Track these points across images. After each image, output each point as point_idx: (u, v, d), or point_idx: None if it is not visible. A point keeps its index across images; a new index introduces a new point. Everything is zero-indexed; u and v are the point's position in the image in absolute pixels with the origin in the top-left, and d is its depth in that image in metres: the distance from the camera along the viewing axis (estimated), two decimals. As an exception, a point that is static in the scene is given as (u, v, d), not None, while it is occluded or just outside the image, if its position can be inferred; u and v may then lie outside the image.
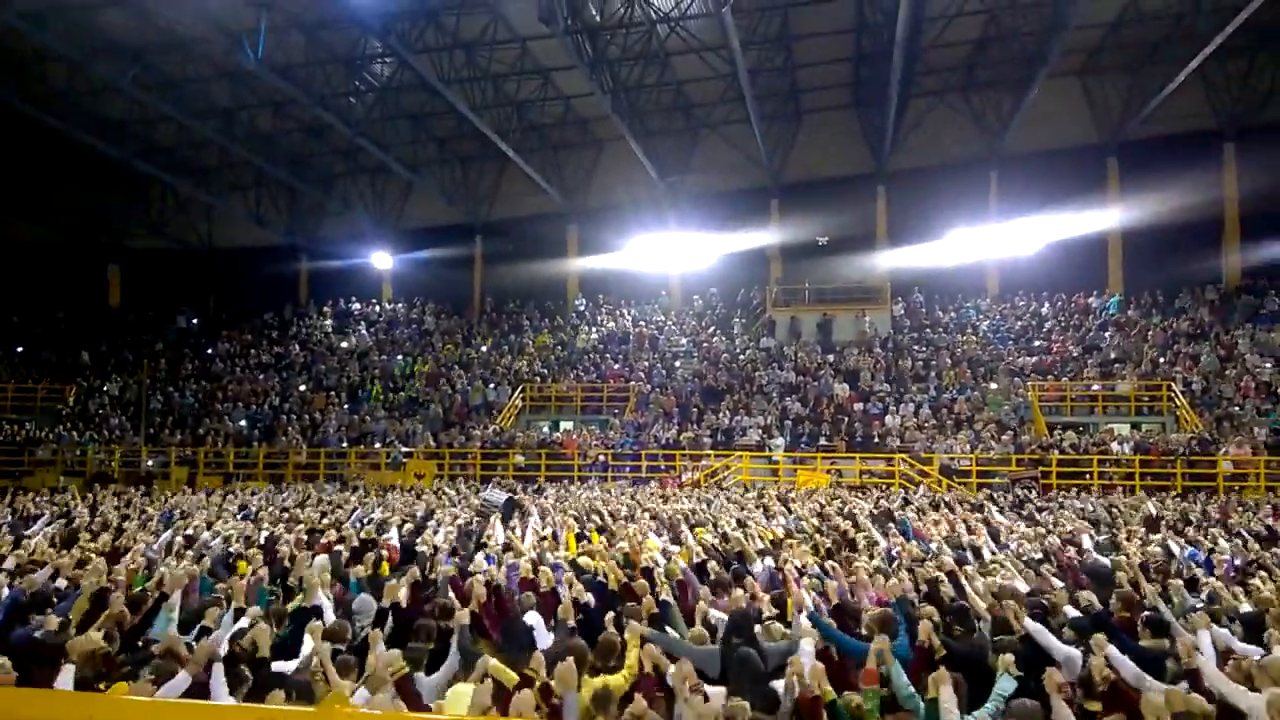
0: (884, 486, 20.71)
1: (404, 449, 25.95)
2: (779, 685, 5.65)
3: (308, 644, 6.40)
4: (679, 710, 5.26)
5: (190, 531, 12.06)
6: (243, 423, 28.54)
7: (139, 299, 37.14)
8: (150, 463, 26.56)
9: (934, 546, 11.19)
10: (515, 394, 28.41)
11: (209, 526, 12.71)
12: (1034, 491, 19.19)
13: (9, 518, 14.10)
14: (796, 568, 9.10)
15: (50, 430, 28.38)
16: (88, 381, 31.81)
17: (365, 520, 13.25)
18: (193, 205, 35.56)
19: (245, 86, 26.67)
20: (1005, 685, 5.54)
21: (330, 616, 7.30)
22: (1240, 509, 16.03)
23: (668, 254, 32.74)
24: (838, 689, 5.50)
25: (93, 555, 9.52)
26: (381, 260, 35.59)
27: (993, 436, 23.19)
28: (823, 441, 24.15)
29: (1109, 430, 23.46)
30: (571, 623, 7.16)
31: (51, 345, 34.14)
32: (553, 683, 5.38)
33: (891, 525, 12.99)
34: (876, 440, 23.89)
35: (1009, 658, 5.75)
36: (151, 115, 27.56)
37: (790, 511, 14.64)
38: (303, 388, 30.58)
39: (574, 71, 24.93)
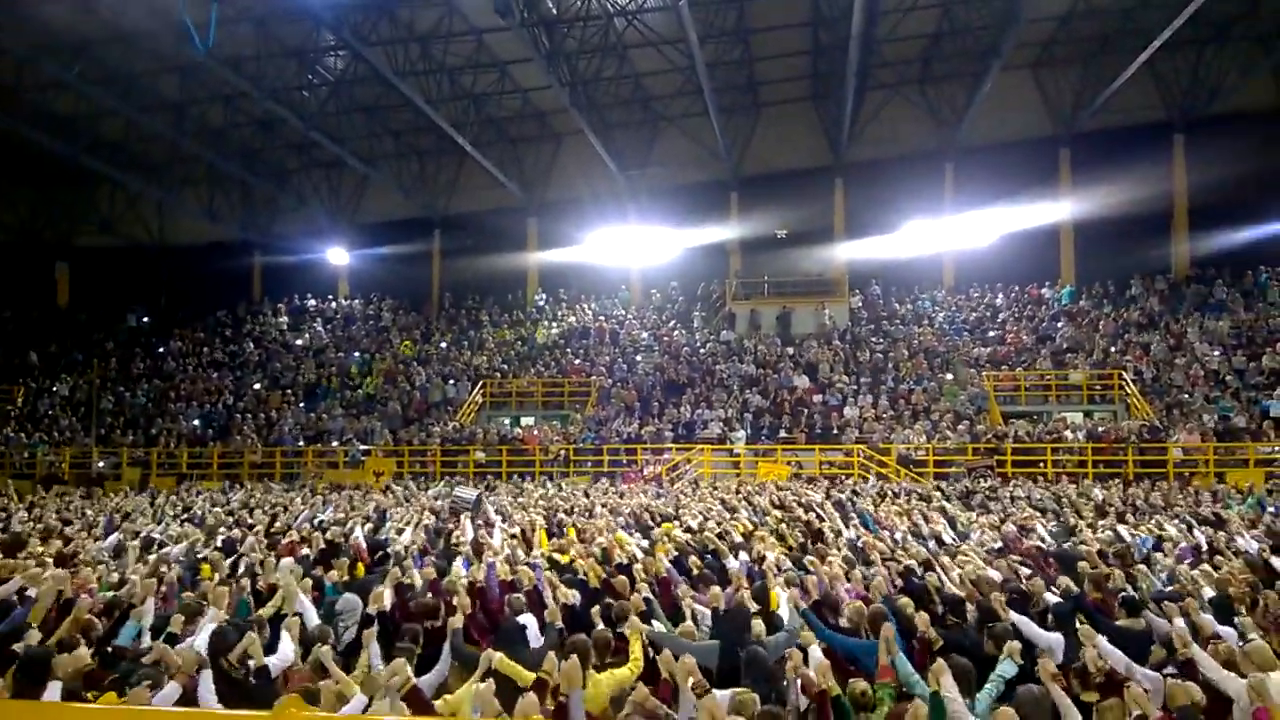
0: (840, 478, 20.82)
1: (362, 447, 25.66)
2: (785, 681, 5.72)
3: (286, 644, 6.41)
4: (684, 706, 5.31)
5: (142, 535, 11.79)
6: (196, 422, 28.06)
7: (88, 298, 36.35)
8: (102, 464, 26.02)
9: (899, 536, 11.34)
10: (475, 390, 28.20)
11: (157, 530, 12.44)
12: (986, 481, 19.41)
13: None
14: (774, 562, 9.14)
15: (-3, 432, 27.70)
16: (36, 382, 31.12)
17: (316, 521, 13.08)
18: (143, 201, 34.87)
19: (195, 80, 26.13)
20: (1006, 669, 5.66)
21: (314, 620, 7.21)
22: (1183, 496, 16.40)
23: (628, 248, 32.71)
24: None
25: (47, 562, 9.26)
26: (337, 256, 35.14)
27: (949, 427, 23.45)
28: (783, 434, 24.27)
29: (1062, 419, 23.81)
30: (560, 623, 7.11)
31: (-2, 346, 33.31)
32: (557, 681, 5.36)
33: (852, 516, 13.10)
34: (835, 431, 24.05)
35: (1015, 644, 5.89)
36: (99, 110, 26.83)
37: (751, 505, 14.66)
38: (257, 386, 30.12)
39: (531, 64, 24.74)
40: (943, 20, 26.43)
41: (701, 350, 29.25)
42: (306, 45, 24.67)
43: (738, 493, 16.84)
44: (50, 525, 13.08)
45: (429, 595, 7.98)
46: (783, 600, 7.49)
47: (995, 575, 8.56)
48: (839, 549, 10.13)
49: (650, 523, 12.73)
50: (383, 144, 32.05)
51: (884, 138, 30.81)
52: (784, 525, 12.14)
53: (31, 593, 7.56)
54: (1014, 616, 6.81)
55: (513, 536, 11.14)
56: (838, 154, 31.13)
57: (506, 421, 27.64)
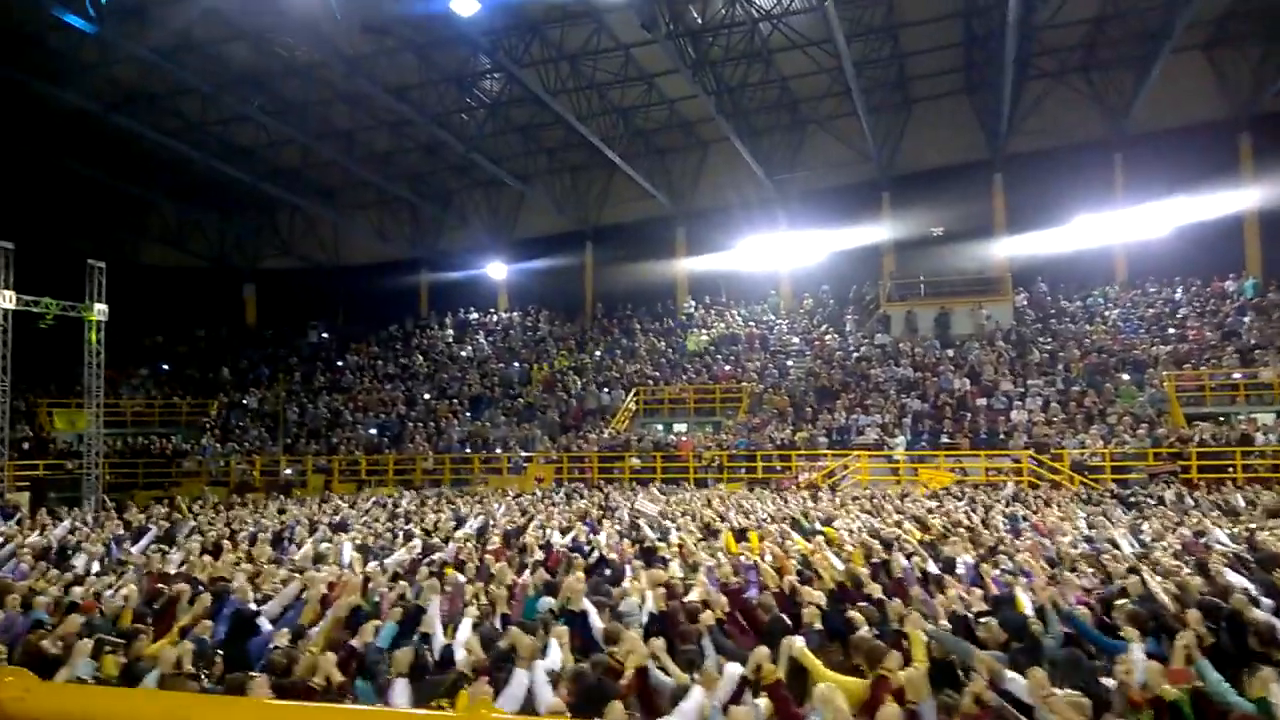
0: (992, 485, 20.06)
1: (524, 454, 26.66)
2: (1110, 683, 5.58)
3: (554, 649, 6.25)
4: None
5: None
6: (373, 431, 29.86)
7: (273, 316, 39.27)
8: (289, 471, 28.04)
9: (1068, 540, 11.00)
10: (629, 397, 28.79)
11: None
12: (1170, 487, 18.29)
13: (118, 530, 14.29)
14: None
15: (195, 443, 30.37)
16: (229, 396, 33.81)
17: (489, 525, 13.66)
18: (320, 225, 37.42)
19: (364, 109, 27.97)
20: None
21: (598, 621, 7.10)
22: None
23: (777, 252, 32.61)
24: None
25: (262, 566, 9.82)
26: (497, 270, 36.64)
27: (1127, 430, 22.19)
28: (944, 439, 23.59)
29: (1251, 420, 22.11)
30: (819, 624, 6.95)
31: (194, 363, 36.46)
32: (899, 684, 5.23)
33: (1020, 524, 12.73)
34: (1002, 436, 23.19)
35: None
36: (277, 140, 29.16)
37: (903, 511, 14.40)
38: (427, 396, 31.75)
39: (677, 75, 25.13)
40: (1106, 3, 25.10)
41: (855, 354, 28.80)
42: (464, 70, 25.91)
43: (892, 499, 16.57)
44: (221, 534, 13.61)
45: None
46: (1027, 603, 7.35)
47: (1237, 580, 8.08)
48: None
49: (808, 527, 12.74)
50: (537, 162, 33.23)
51: (1046, 129, 29.47)
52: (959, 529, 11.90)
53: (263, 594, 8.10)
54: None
55: (700, 540, 11.21)
56: (996, 148, 30.02)
57: (660, 428, 28.07)
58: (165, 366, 35.99)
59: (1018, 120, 29.08)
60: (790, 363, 29.60)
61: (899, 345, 28.45)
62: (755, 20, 23.98)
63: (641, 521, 13.41)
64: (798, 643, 5.64)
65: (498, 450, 27.41)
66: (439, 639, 6.95)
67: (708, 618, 6.72)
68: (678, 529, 12.45)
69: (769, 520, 13.55)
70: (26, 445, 27.71)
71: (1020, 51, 24.47)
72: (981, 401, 24.82)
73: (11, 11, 20.49)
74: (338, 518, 15.70)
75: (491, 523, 14.20)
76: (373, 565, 9.94)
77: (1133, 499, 16.68)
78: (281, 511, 17.51)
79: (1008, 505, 15.56)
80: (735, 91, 27.36)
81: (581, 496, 19.07)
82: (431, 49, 24.57)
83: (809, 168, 32.02)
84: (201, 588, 8.32)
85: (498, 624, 7.26)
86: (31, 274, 23.74)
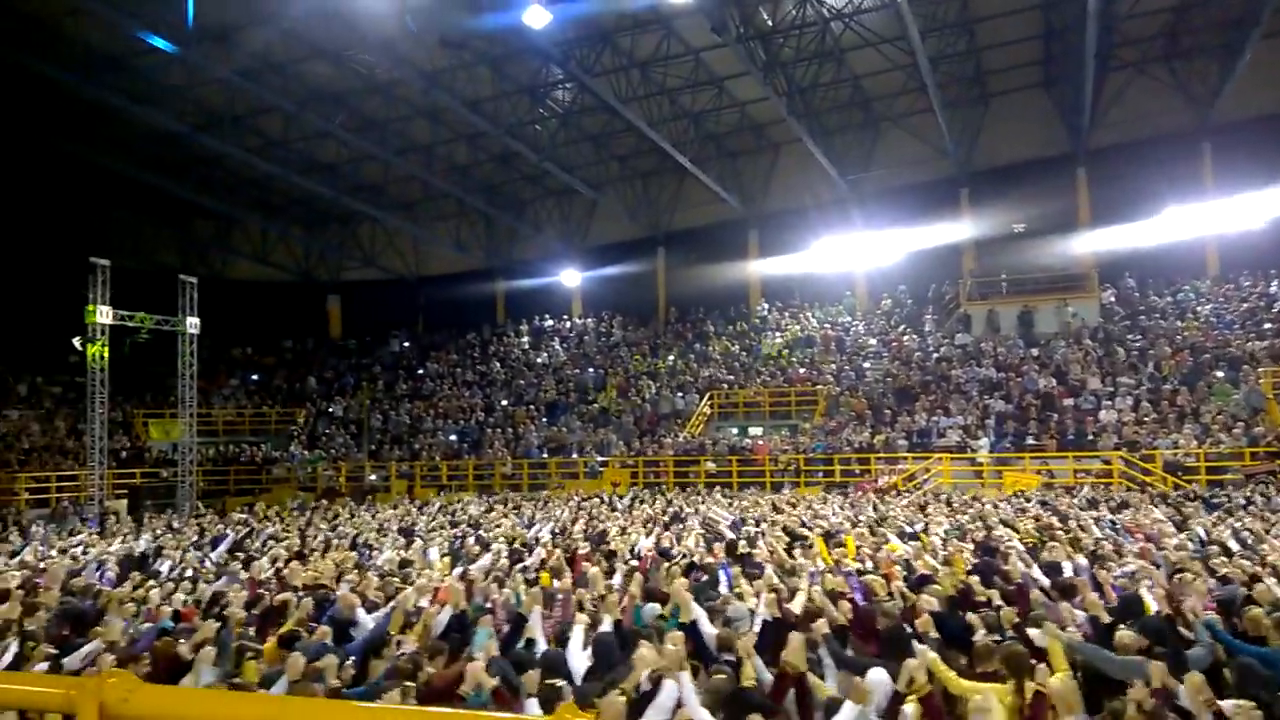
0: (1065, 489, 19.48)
1: (600, 458, 26.81)
2: None
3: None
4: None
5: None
6: (453, 437, 30.38)
7: (357, 326, 40.23)
8: (373, 477, 28.72)
9: (1174, 544, 10.69)
10: (703, 401, 28.72)
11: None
12: (1271, 487, 17.51)
13: (195, 537, 14.61)
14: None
15: (284, 450, 31.31)
16: (315, 404, 34.77)
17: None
18: (399, 237, 38.23)
19: (441, 123, 28.52)
20: None
21: (710, 630, 6.92)
22: None
23: (852, 253, 32.15)
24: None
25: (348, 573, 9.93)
26: (570, 278, 36.94)
27: (1222, 429, 21.29)
28: (1030, 441, 22.98)
29: (1361, 418, 21.03)
30: (934, 632, 6.76)
31: (282, 373, 37.59)
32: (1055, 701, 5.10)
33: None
34: (1090, 437, 22.48)
35: None
36: (359, 156, 29.93)
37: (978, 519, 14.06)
38: (505, 403, 32.17)
39: (748, 78, 25.02)
40: (1189, -10, 24.19)
41: (935, 355, 28.25)
42: (537, 82, 26.20)
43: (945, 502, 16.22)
44: (306, 539, 14.00)
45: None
46: (1154, 609, 7.16)
47: None
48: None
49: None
50: (608, 169, 33.41)
51: (1129, 120, 28.49)
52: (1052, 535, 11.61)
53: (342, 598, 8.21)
54: None
55: (787, 548, 11.15)
56: (1078, 141, 29.11)
57: (735, 431, 27.94)
58: (254, 377, 37.15)
59: (1100, 113, 28.18)
60: (867, 364, 29.17)
61: (981, 345, 27.81)
62: (827, 20, 23.75)
63: (723, 526, 13.36)
64: (930, 654, 5.46)
65: (574, 455, 27.61)
66: (543, 647, 6.86)
67: (821, 625, 6.55)
68: (761, 534, 12.37)
69: (848, 524, 13.40)
70: (124, 454, 28.92)
71: (1101, 43, 23.69)
72: (1068, 402, 24.10)
73: (101, 35, 21.41)
74: (407, 521, 16.08)
75: (559, 528, 14.26)
76: (476, 570, 9.99)
77: (1214, 500, 16.05)
78: (352, 515, 17.94)
79: (1089, 508, 15.14)
80: (807, 92, 27.13)
81: (642, 502, 19.07)
82: (505, 61, 24.92)
83: (884, 166, 31.52)
84: (303, 594, 8.49)
85: (607, 631, 7.11)
86: (127, 290, 24.83)
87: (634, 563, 10.30)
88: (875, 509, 15.94)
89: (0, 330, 32.54)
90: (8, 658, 6.69)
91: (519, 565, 10.35)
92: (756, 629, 7.01)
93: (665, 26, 23.80)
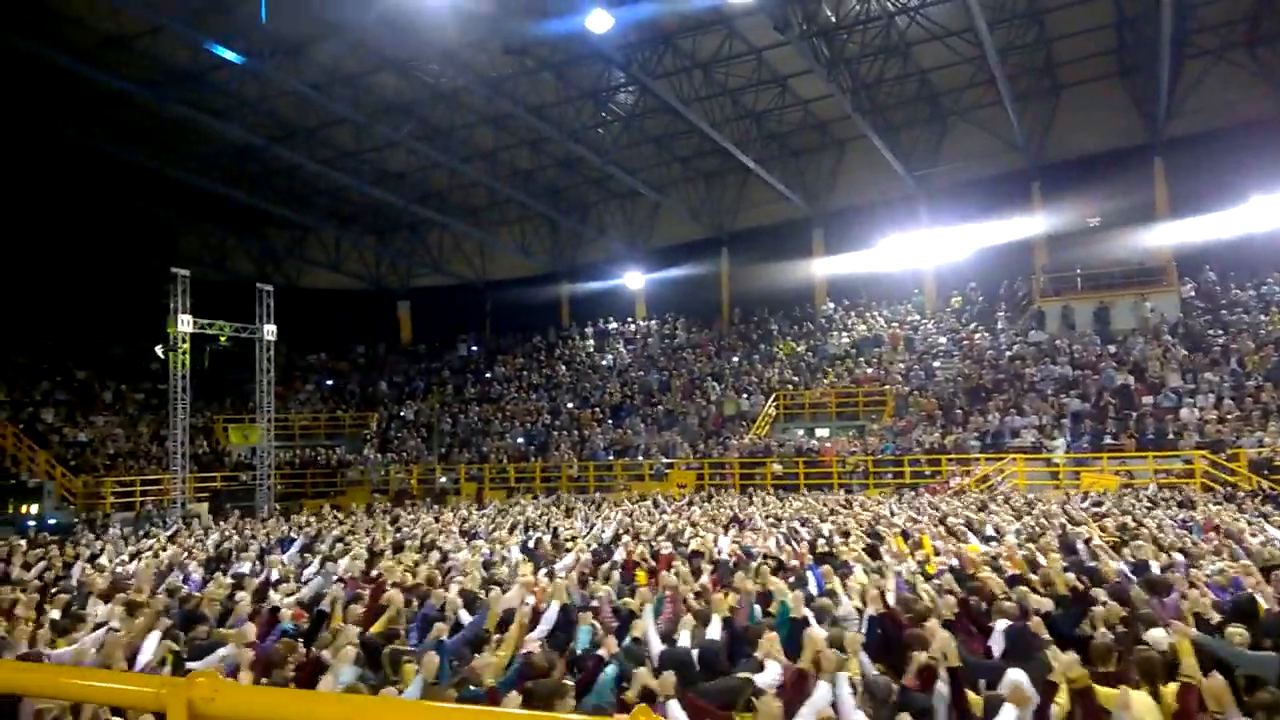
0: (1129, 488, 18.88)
1: (665, 460, 26.83)
2: None
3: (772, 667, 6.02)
4: None
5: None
6: (520, 440, 30.71)
7: (426, 331, 40.95)
8: (444, 479, 29.18)
9: (1258, 542, 10.34)
10: (769, 402, 28.53)
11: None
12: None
13: (265, 541, 14.72)
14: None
15: (358, 454, 32.01)
16: (387, 409, 35.48)
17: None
18: (466, 242, 38.79)
19: (506, 129, 28.86)
20: None
21: (819, 630, 6.68)
22: None
23: (920, 250, 31.59)
24: None
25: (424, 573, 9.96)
26: (634, 280, 37.03)
27: (1314, 427, 20.42)
28: (1108, 440, 22.32)
29: None
30: (1045, 633, 6.56)
31: (355, 378, 38.43)
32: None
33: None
34: (1171, 436, 21.75)
35: None
36: (426, 164, 30.47)
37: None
38: (570, 405, 32.40)
39: (811, 75, 24.81)
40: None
41: (1008, 353, 27.61)
42: (599, 86, 26.34)
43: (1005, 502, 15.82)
44: (376, 541, 14.03)
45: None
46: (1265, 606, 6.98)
47: None
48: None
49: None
50: (671, 170, 33.42)
51: (1209, 108, 27.45)
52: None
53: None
54: None
55: (867, 548, 11.00)
56: (1155, 130, 28.18)
57: (801, 433, 27.71)
58: (329, 382, 38.07)
59: (1177, 101, 27.24)
60: (938, 363, 28.66)
61: (1055, 342, 27.09)
62: (891, 14, 23.42)
63: (799, 526, 13.27)
64: (1065, 655, 5.28)
65: (639, 457, 27.68)
66: (655, 645, 6.68)
67: (933, 625, 6.36)
68: (838, 532, 12.27)
69: (912, 524, 13.24)
70: (205, 459, 29.88)
71: (1177, 30, 22.88)
72: (1147, 400, 23.36)
73: (178, 52, 22.16)
74: (466, 525, 16.27)
75: (620, 530, 14.28)
76: (560, 569, 10.02)
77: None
78: (415, 521, 18.18)
79: (1153, 508, 14.75)
80: (872, 88, 26.78)
81: (691, 504, 18.99)
82: (568, 67, 25.10)
83: (952, 161, 30.93)
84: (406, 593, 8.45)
85: (717, 630, 6.95)
86: (207, 300, 25.68)
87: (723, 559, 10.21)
88: (934, 509, 15.67)
89: (86, 340, 34.02)
90: (146, 657, 6.73)
91: (603, 565, 10.32)
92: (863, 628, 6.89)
93: (727, 26, 23.72)
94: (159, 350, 26.72)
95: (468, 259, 39.77)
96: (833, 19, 23.10)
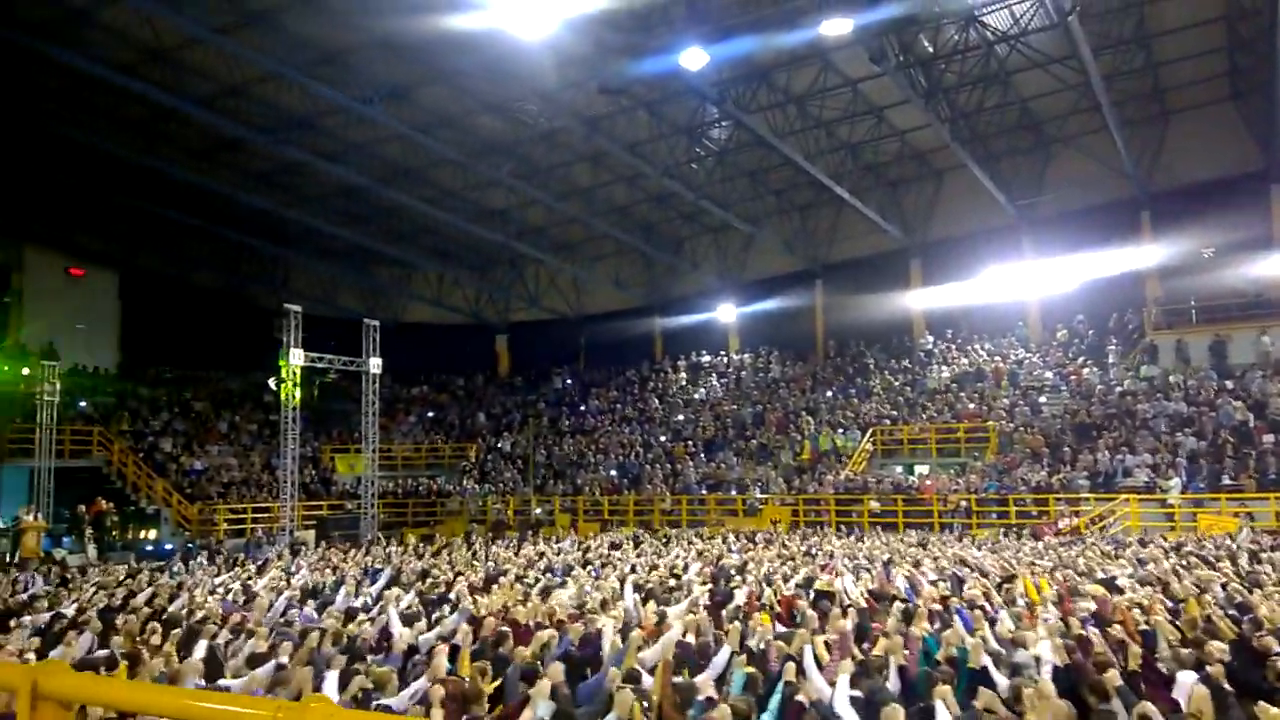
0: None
1: (759, 495, 26.59)
2: None
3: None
4: None
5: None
6: (613, 472, 30.89)
7: (523, 364, 41.71)
8: (539, 511, 29.54)
9: None
10: (865, 438, 28.05)
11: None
12: None
13: (356, 572, 14.74)
14: None
15: (457, 484, 32.68)
16: (485, 440, 36.16)
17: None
18: (562, 277, 39.48)
19: (602, 166, 29.39)
20: None
21: (1002, 679, 6.64)
22: None
23: (1023, 281, 30.73)
24: None
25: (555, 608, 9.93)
26: (727, 313, 37.00)
27: None
28: (1226, 480, 21.21)
29: None
30: (1226, 684, 6.29)
31: (455, 410, 39.33)
32: None
33: None
34: (1297, 476, 20.55)
35: None
36: (524, 201, 31.22)
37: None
38: (663, 438, 32.45)
39: (907, 106, 24.59)
40: None
41: (1118, 388, 26.55)
42: (693, 122, 26.62)
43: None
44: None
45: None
46: None
47: None
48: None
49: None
50: (765, 203, 33.41)
51: (1335, 130, 26.08)
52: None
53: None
54: None
55: (999, 588, 10.64)
56: (1272, 156, 26.86)
57: (899, 469, 27.12)
58: (430, 414, 39.05)
59: (1299, 124, 25.97)
60: (1043, 399, 27.72)
61: (1169, 377, 25.93)
62: (991, 43, 23.06)
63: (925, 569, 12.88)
64: (1273, 710, 5.10)
65: (733, 492, 27.50)
66: (824, 691, 6.43)
67: (1113, 674, 6.15)
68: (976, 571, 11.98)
69: (1041, 565, 12.85)
70: (312, 487, 30.94)
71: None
72: (1268, 438, 22.11)
73: (292, 98, 23.35)
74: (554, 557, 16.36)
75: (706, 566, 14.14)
76: (674, 611, 9.72)
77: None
78: (515, 549, 18.31)
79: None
80: (971, 117, 26.36)
81: (770, 543, 18.66)
82: (662, 104, 25.43)
83: (1056, 190, 30.09)
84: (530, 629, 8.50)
85: (893, 678, 6.75)
86: (316, 334, 26.77)
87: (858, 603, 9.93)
88: (1050, 550, 15.13)
89: (204, 373, 35.80)
90: (334, 692, 6.74)
91: (725, 606, 10.04)
92: (1046, 675, 6.59)
93: (822, 60, 23.70)
94: (272, 383, 27.85)
95: (563, 293, 40.42)
96: (930, 49, 22.88)
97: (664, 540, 19.99)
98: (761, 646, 7.72)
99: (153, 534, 25.77)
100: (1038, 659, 7.02)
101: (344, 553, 19.23)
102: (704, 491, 28.10)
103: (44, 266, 31.89)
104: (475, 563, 16.41)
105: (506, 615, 9.59)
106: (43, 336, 30.35)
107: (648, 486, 29.08)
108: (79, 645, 8.79)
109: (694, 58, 19.87)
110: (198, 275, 35.47)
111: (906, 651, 7.30)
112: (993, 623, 8.37)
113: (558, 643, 8.08)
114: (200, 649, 8.19)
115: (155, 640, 8.76)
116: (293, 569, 15.78)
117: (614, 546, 18.48)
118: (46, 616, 10.91)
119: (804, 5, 18.79)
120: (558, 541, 20.79)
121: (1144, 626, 8.18)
